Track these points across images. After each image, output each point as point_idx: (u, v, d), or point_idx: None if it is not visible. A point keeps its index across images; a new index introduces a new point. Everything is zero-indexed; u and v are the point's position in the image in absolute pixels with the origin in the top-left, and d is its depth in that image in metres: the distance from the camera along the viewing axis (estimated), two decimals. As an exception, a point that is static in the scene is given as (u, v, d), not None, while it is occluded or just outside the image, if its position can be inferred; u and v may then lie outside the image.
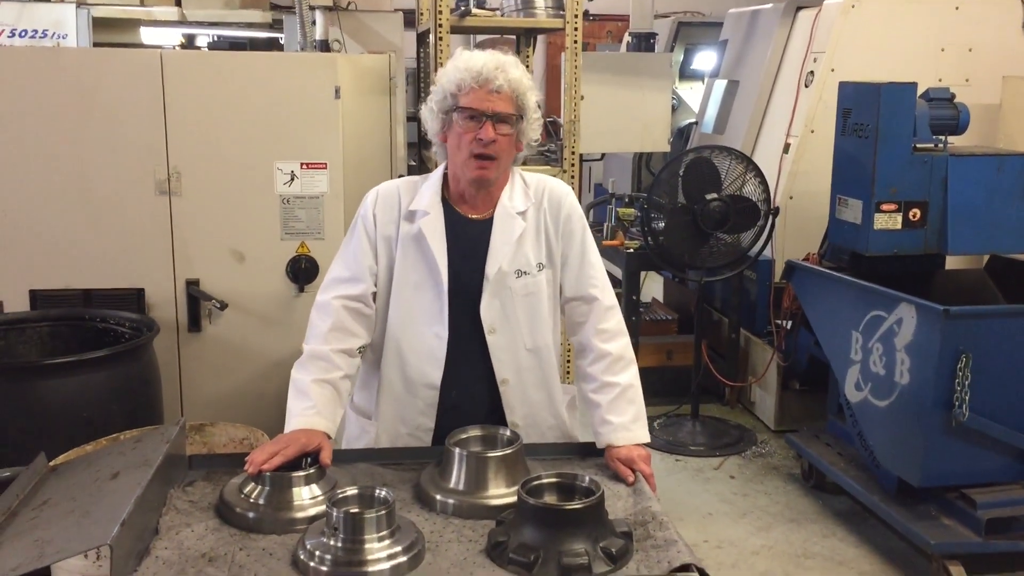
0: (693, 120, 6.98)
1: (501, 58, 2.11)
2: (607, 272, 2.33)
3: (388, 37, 5.16)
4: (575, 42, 4.49)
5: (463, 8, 4.54)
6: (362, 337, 2.18)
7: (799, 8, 5.71)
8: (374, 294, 2.20)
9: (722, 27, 6.82)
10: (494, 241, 2.17)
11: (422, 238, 2.16)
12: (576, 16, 4.45)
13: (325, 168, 3.58)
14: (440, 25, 4.27)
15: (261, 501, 1.84)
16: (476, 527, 1.82)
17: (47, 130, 3.42)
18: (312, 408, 2.04)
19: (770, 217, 4.77)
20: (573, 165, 4.55)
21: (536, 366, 2.23)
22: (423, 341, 2.18)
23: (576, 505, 1.70)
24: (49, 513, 1.75)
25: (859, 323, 3.80)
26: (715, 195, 4.62)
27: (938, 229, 4.00)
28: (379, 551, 1.64)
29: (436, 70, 4.22)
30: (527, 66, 5.14)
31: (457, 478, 1.92)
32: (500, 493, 1.89)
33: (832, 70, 5.11)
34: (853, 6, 5.13)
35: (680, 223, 4.70)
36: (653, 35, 6.55)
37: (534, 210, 2.22)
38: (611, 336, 2.22)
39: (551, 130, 5.30)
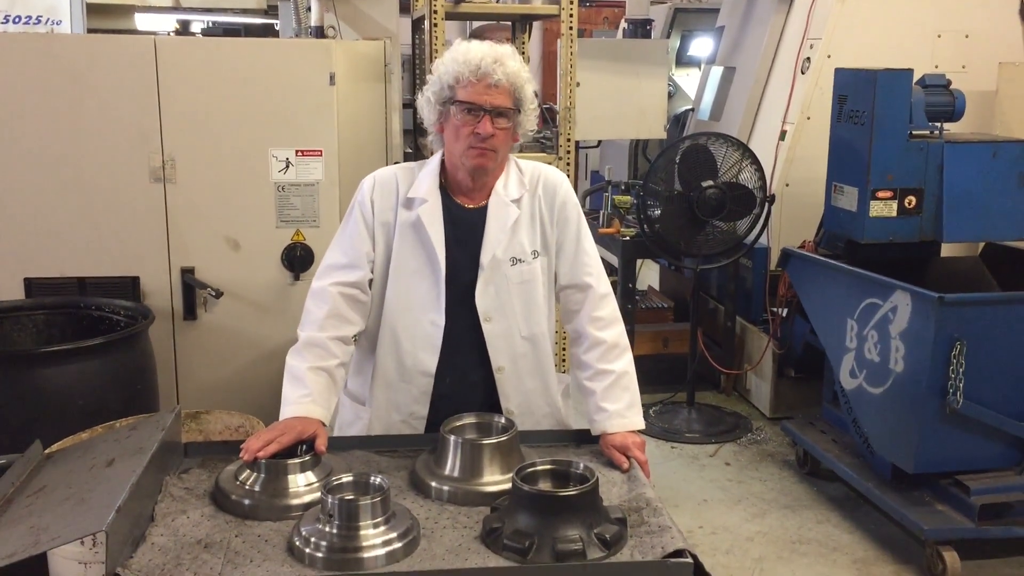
0: (689, 107, 6.97)
1: (499, 50, 2.09)
2: (603, 260, 2.33)
3: (383, 23, 5.13)
4: (571, 28, 4.47)
5: (458, -6, 4.50)
6: (357, 324, 2.18)
7: (795, -6, 5.70)
8: (370, 281, 2.19)
9: (718, 13, 6.80)
10: (489, 229, 2.17)
11: (420, 226, 2.16)
12: (572, 2, 4.43)
13: (320, 155, 3.57)
14: (435, 11, 4.25)
15: (257, 488, 1.85)
16: (471, 514, 1.82)
17: (41, 117, 3.41)
18: (308, 396, 2.04)
19: (766, 204, 4.77)
20: (569, 152, 4.54)
21: (532, 354, 2.23)
22: (419, 328, 2.18)
23: (571, 492, 1.71)
24: (45, 500, 1.75)
25: (854, 310, 3.81)
26: (711, 182, 4.62)
27: (933, 216, 4.00)
28: (374, 538, 1.65)
29: (431, 57, 4.21)
30: (523, 53, 5.12)
31: (452, 465, 1.93)
32: (495, 480, 1.89)
33: (828, 56, 5.10)
34: (850, -8, 5.12)
35: (676, 210, 4.70)
36: (649, 21, 6.54)
37: (529, 197, 2.22)
38: (606, 324, 2.22)
39: (547, 117, 5.29)
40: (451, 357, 2.19)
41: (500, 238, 2.17)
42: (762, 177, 4.72)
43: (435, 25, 4.27)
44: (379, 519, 1.67)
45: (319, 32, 4.49)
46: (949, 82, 4.12)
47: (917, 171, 3.97)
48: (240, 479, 1.87)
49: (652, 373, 5.45)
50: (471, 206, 2.21)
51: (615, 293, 2.33)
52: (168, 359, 3.59)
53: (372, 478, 1.77)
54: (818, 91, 5.08)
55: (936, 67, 4.91)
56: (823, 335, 4.13)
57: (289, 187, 3.58)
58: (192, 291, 3.58)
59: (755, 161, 4.71)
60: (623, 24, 6.86)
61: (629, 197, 5.43)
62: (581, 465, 1.82)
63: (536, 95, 2.19)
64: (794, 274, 4.36)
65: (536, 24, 7.19)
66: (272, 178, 3.57)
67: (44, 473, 1.91)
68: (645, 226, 4.87)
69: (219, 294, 3.52)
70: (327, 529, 1.65)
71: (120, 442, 1.96)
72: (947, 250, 4.35)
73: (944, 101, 4.07)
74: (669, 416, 5.01)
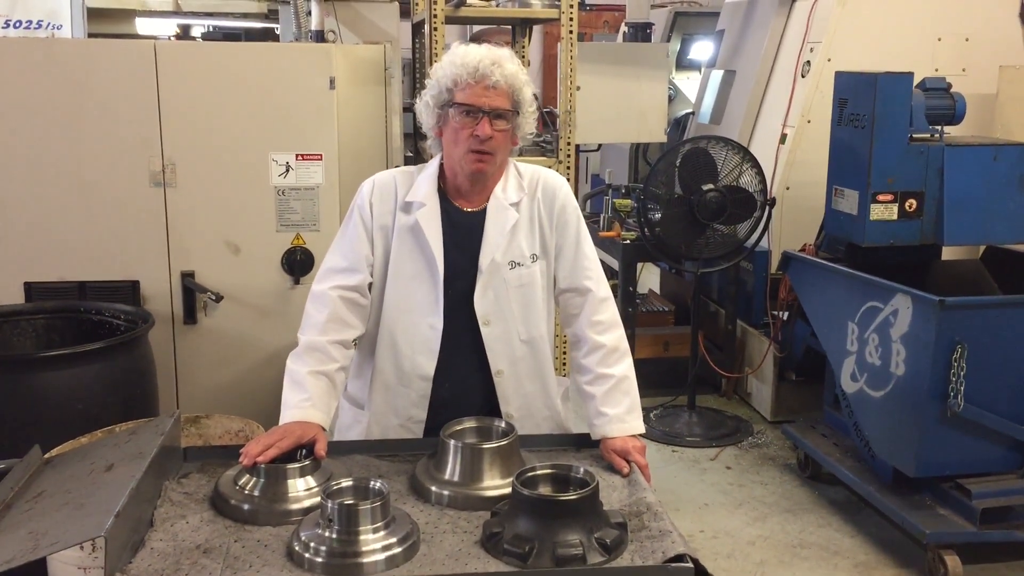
0: (690, 110, 6.97)
1: (497, 52, 2.10)
2: (603, 263, 2.33)
3: (384, 27, 5.14)
4: (571, 32, 4.47)
5: (458, -2, 4.51)
6: (357, 328, 2.18)
7: (795, -2, 5.70)
8: (370, 284, 2.19)
9: (719, 17, 6.80)
10: (487, 232, 2.17)
11: (419, 229, 2.16)
12: (572, 6, 4.43)
13: (320, 159, 3.57)
14: (435, 15, 4.25)
15: (256, 493, 1.84)
16: (471, 518, 1.82)
17: (41, 121, 3.41)
18: (308, 400, 2.04)
19: (766, 208, 4.77)
20: (569, 156, 4.53)
21: (531, 357, 2.23)
22: (418, 332, 2.18)
23: (571, 496, 1.71)
24: (44, 505, 1.75)
25: (855, 314, 3.80)
26: (712, 186, 4.62)
27: (934, 219, 4.00)
28: (374, 542, 1.64)
29: (431, 61, 4.21)
30: (523, 56, 5.13)
31: (452, 469, 1.92)
32: (495, 484, 1.89)
33: (828, 60, 5.10)
34: (850, -4, 5.12)
35: (677, 214, 4.70)
36: (649, 25, 6.54)
37: (528, 201, 2.21)
38: (606, 328, 2.22)
39: (547, 121, 5.29)
40: (450, 361, 2.19)
41: (499, 242, 2.17)
42: (763, 180, 4.72)
43: (435, 29, 4.27)
44: (379, 524, 1.66)
45: (319, 36, 4.50)
46: (949, 85, 4.12)
47: (918, 174, 3.97)
48: (240, 484, 1.87)
49: (653, 377, 5.44)
50: (470, 209, 2.21)
51: (615, 297, 2.33)
52: (168, 363, 3.58)
53: (372, 483, 1.76)
54: (818, 94, 5.08)
55: (936, 70, 4.91)
56: (824, 338, 4.12)
57: (289, 191, 3.58)
58: (192, 295, 3.58)
59: (755, 164, 4.71)
60: (623, 28, 6.87)
61: (629, 201, 5.43)
62: (581, 469, 1.82)
63: (536, 98, 2.19)
64: (795, 277, 4.36)
65: (536, 28, 7.20)
66: (272, 182, 3.57)
67: (43, 478, 1.91)
68: (646, 229, 4.87)
69: (219, 298, 3.52)
70: (327, 534, 1.65)
71: (119, 447, 1.95)
72: (948, 253, 4.34)
73: (944, 104, 4.07)
74: (670, 420, 5.00)
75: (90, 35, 5.18)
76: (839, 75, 4.27)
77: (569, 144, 4.53)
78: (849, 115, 4.10)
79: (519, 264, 2.19)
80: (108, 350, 3.03)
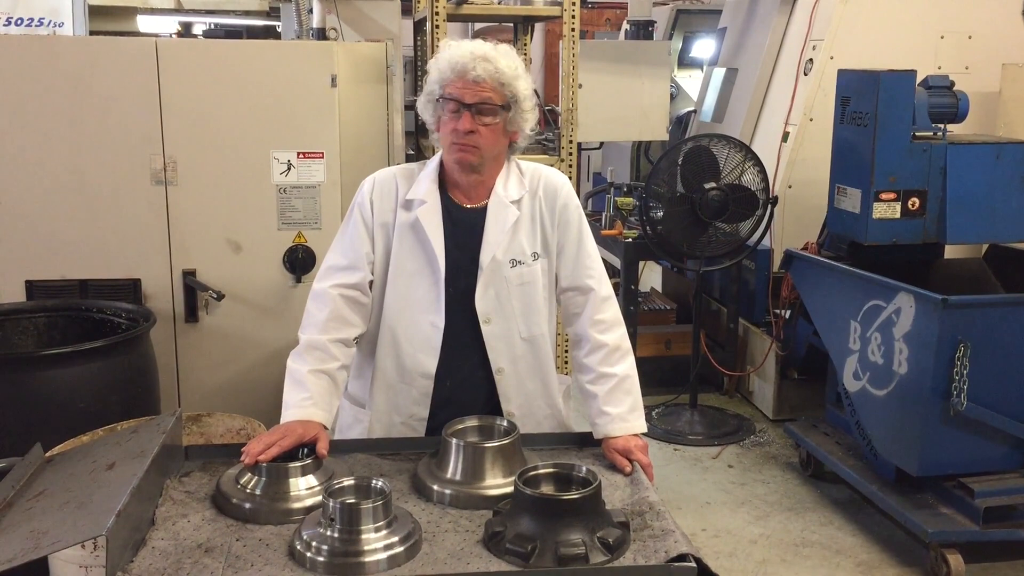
0: (692, 108, 6.96)
1: (483, 48, 2.09)
2: (604, 261, 2.32)
3: (385, 25, 5.13)
4: (573, 30, 4.46)
5: (460, -5, 4.50)
6: (358, 326, 2.17)
7: (798, -5, 5.69)
8: (371, 282, 2.19)
9: (721, 15, 6.79)
10: (488, 230, 2.16)
11: (419, 227, 2.16)
12: (574, 4, 4.42)
13: (322, 157, 3.57)
14: (437, 13, 4.25)
15: (258, 492, 1.84)
16: (473, 517, 1.81)
17: (42, 119, 3.41)
18: (309, 399, 2.03)
19: (769, 206, 4.76)
20: (571, 154, 4.53)
21: (531, 355, 2.23)
22: (419, 330, 2.17)
23: (573, 495, 1.70)
24: (45, 504, 1.75)
25: (857, 312, 3.80)
26: (714, 184, 4.61)
27: (937, 218, 3.99)
28: (376, 542, 1.64)
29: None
30: (524, 54, 5.12)
31: (454, 468, 1.92)
32: (497, 483, 1.88)
33: (831, 58, 5.09)
34: (852, -7, 5.11)
35: (679, 212, 4.69)
36: (651, 23, 6.53)
37: (529, 199, 2.21)
38: (608, 327, 2.21)
39: (549, 119, 5.28)
40: (451, 359, 2.18)
41: (500, 240, 2.16)
42: (765, 179, 4.71)
43: (437, 27, 4.26)
44: (380, 523, 1.66)
45: (321, 34, 4.49)
46: (952, 83, 4.11)
47: (920, 173, 3.96)
48: (241, 483, 1.86)
49: (654, 375, 5.44)
50: (470, 205, 2.20)
51: (617, 295, 2.32)
52: (169, 362, 3.58)
53: (373, 482, 1.76)
54: (821, 92, 5.07)
55: (939, 68, 4.90)
56: (826, 337, 4.12)
57: (291, 189, 3.58)
58: (193, 293, 3.57)
59: (758, 163, 4.70)
60: (625, 25, 6.85)
61: (631, 199, 5.42)
62: (584, 468, 1.81)
63: (537, 94, 2.18)
64: (797, 276, 4.35)
65: (538, 26, 7.19)
66: (274, 180, 3.57)
67: (44, 477, 1.91)
68: (647, 228, 4.87)
69: (220, 296, 3.51)
70: (328, 533, 1.64)
71: (121, 445, 1.95)
72: (951, 252, 4.33)
73: (947, 102, 4.06)
74: (672, 418, 4.99)
75: (91, 33, 5.18)
76: (841, 73, 4.26)
77: (571, 142, 4.52)
78: (851, 113, 4.09)
79: (520, 262, 2.18)
80: (109, 348, 3.02)
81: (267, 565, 1.64)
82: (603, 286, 2.24)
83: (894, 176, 3.95)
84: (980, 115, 4.78)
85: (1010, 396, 3.45)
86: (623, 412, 2.13)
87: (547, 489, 1.79)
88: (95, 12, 5.28)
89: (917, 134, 3.97)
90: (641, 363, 2.27)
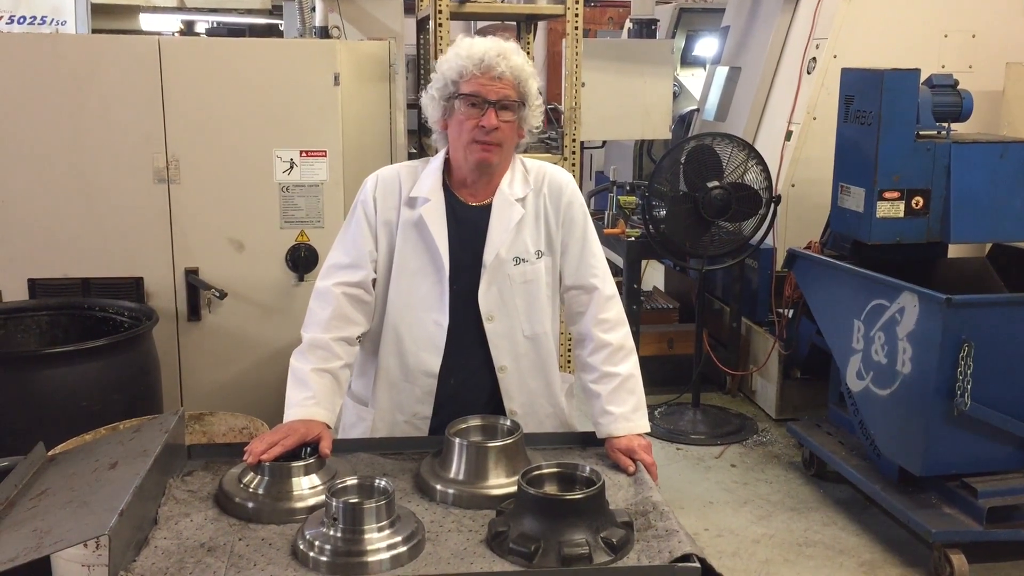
0: (694, 107, 6.95)
1: (503, 45, 2.09)
2: (608, 260, 2.32)
3: (388, 23, 5.13)
4: (576, 28, 4.46)
5: (463, -6, 4.49)
6: (361, 325, 2.17)
7: (801, -6, 5.68)
8: (374, 281, 2.18)
9: (724, 13, 6.78)
10: (492, 227, 2.16)
11: (423, 225, 2.15)
12: (577, 2, 4.42)
13: (324, 156, 3.57)
14: (440, 11, 4.24)
15: (260, 491, 1.83)
16: (476, 517, 1.81)
17: (45, 117, 3.40)
18: (311, 398, 2.03)
19: (772, 205, 4.76)
20: (574, 153, 4.52)
21: (534, 354, 2.22)
22: (423, 328, 2.17)
23: (577, 495, 1.69)
24: (48, 503, 1.74)
25: (861, 312, 3.79)
26: (716, 183, 4.61)
27: (941, 217, 3.99)
28: (379, 541, 1.63)
29: (436, 57, 4.20)
30: (527, 53, 5.11)
31: (457, 468, 1.92)
32: (500, 483, 1.88)
33: (834, 56, 5.08)
34: (856, -8, 5.10)
35: (681, 211, 4.69)
36: (654, 21, 6.53)
37: (533, 197, 2.20)
38: (611, 326, 2.21)
39: (552, 117, 5.28)
40: (455, 357, 2.18)
41: (503, 237, 2.15)
42: (768, 178, 4.71)
43: (440, 25, 4.26)
44: (383, 522, 1.65)
45: (323, 32, 4.49)
46: (956, 82, 4.11)
47: (924, 172, 3.95)
48: (244, 482, 1.86)
49: (657, 374, 5.43)
50: (475, 203, 2.20)
51: (620, 294, 2.32)
52: (172, 360, 3.58)
53: (376, 481, 1.76)
54: (824, 91, 5.06)
55: (943, 67, 4.89)
56: (829, 336, 4.11)
57: (293, 188, 3.58)
58: (196, 292, 3.57)
59: (761, 162, 4.70)
60: (628, 24, 6.84)
61: (634, 198, 5.41)
62: (587, 468, 1.81)
63: (541, 92, 2.18)
64: (800, 275, 4.34)
65: (541, 24, 7.19)
66: (276, 179, 3.56)
67: (47, 476, 1.91)
68: (650, 227, 4.86)
69: (223, 295, 3.51)
70: (331, 533, 1.64)
71: (123, 444, 1.95)
72: (954, 251, 4.33)
73: (951, 101, 4.06)
74: (674, 417, 4.99)
75: (94, 31, 5.17)
76: (845, 72, 4.25)
77: (574, 141, 4.51)
78: (855, 112, 4.09)
79: (524, 260, 2.18)
80: (112, 347, 3.02)
81: (270, 565, 1.64)
82: (607, 285, 2.24)
83: (898, 175, 3.94)
84: (984, 114, 4.76)
85: (1014, 396, 3.44)
86: (626, 412, 2.13)
87: (551, 489, 1.78)
88: (97, 10, 5.27)
89: (921, 133, 3.97)
90: (644, 362, 2.27)
